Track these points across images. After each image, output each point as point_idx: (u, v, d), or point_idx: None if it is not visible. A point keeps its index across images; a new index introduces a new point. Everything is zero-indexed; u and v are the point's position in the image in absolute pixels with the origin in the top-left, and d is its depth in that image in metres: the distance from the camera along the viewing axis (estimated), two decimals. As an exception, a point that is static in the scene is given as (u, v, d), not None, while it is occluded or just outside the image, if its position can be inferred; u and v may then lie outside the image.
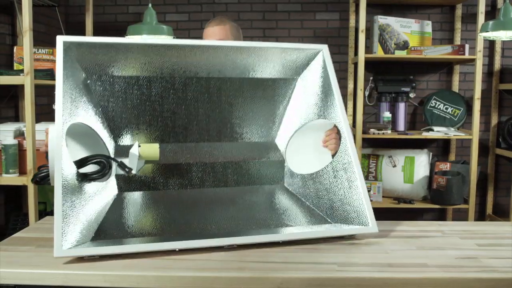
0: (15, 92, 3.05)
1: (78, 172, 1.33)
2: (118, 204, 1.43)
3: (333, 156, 1.53)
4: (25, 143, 2.53)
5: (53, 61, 2.90)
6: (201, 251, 1.25)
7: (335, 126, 1.57)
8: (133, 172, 1.43)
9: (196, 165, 1.55)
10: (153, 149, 1.43)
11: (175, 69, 1.53)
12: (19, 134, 2.64)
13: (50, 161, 1.31)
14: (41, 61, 2.88)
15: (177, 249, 1.23)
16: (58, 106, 1.28)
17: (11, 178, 2.52)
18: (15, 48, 2.86)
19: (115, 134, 1.53)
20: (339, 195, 1.42)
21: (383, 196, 3.55)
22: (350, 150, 1.44)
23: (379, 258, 1.25)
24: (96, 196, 1.37)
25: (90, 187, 1.36)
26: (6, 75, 2.56)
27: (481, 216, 3.79)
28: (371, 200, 3.46)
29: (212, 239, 1.25)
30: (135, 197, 1.48)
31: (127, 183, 1.49)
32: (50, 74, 2.71)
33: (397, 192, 3.57)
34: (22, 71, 2.55)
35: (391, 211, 3.65)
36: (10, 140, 2.53)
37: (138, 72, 1.51)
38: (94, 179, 1.37)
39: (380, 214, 3.99)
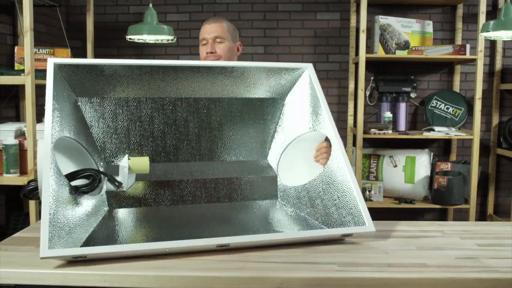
0: (16, 92, 3.05)
1: (67, 184, 1.32)
2: (108, 219, 1.43)
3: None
4: (26, 143, 2.54)
5: (54, 61, 2.91)
6: (201, 254, 1.25)
7: (325, 139, 1.59)
8: (124, 187, 1.42)
9: (188, 181, 1.56)
10: (143, 162, 1.43)
11: (164, 90, 1.55)
12: (20, 134, 2.64)
13: (38, 174, 1.30)
14: (42, 61, 2.89)
15: (167, 249, 1.21)
16: (47, 123, 1.28)
17: (12, 178, 2.53)
18: (16, 48, 2.87)
19: (106, 154, 1.54)
20: (333, 200, 1.43)
21: (384, 196, 3.55)
22: (341, 155, 1.46)
23: (379, 258, 1.25)
24: (86, 211, 1.36)
25: (80, 201, 1.35)
26: (7, 75, 2.56)
27: (482, 216, 3.78)
28: (371, 200, 3.46)
29: (205, 239, 1.23)
30: (125, 213, 1.48)
31: (117, 199, 1.49)
32: (51, 74, 2.71)
33: (398, 192, 3.57)
34: (23, 71, 2.55)
35: (392, 211, 3.65)
36: (11, 140, 2.54)
37: (127, 93, 1.52)
38: (84, 192, 1.36)
39: (381, 214, 3.99)
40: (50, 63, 1.39)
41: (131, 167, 1.41)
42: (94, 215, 1.39)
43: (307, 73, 1.61)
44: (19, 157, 2.54)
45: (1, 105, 2.93)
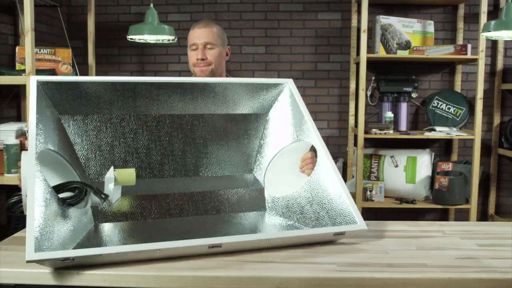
0: (17, 92, 3.06)
1: (53, 194, 1.30)
2: (94, 232, 1.42)
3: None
4: (26, 143, 2.54)
5: (55, 61, 2.91)
6: (200, 256, 1.25)
7: (310, 149, 1.61)
8: (110, 201, 1.40)
9: (175, 195, 1.55)
10: (129, 173, 1.41)
11: (148, 106, 1.55)
12: (21, 134, 2.65)
13: (22, 185, 1.27)
14: (43, 61, 2.89)
15: (158, 250, 1.18)
16: (31, 135, 1.28)
17: (13, 178, 2.53)
18: (17, 48, 2.87)
19: (90, 171, 1.53)
20: (323, 204, 1.44)
21: (385, 196, 3.54)
22: (327, 160, 1.47)
23: (379, 258, 1.25)
24: (73, 223, 1.34)
25: (66, 213, 1.33)
26: (8, 75, 2.57)
27: (483, 216, 3.78)
28: (372, 200, 3.46)
29: (196, 239, 1.21)
30: (111, 226, 1.47)
31: (103, 213, 1.48)
32: (52, 74, 2.72)
33: (399, 192, 3.56)
34: (24, 71, 2.56)
35: (393, 211, 3.65)
36: (12, 140, 2.54)
37: (111, 110, 1.53)
38: (70, 204, 1.35)
39: (382, 214, 3.98)
40: (33, 81, 1.40)
41: (117, 178, 1.39)
42: (80, 228, 1.37)
43: (288, 87, 1.64)
44: (20, 157, 2.54)
45: (2, 105, 2.93)
